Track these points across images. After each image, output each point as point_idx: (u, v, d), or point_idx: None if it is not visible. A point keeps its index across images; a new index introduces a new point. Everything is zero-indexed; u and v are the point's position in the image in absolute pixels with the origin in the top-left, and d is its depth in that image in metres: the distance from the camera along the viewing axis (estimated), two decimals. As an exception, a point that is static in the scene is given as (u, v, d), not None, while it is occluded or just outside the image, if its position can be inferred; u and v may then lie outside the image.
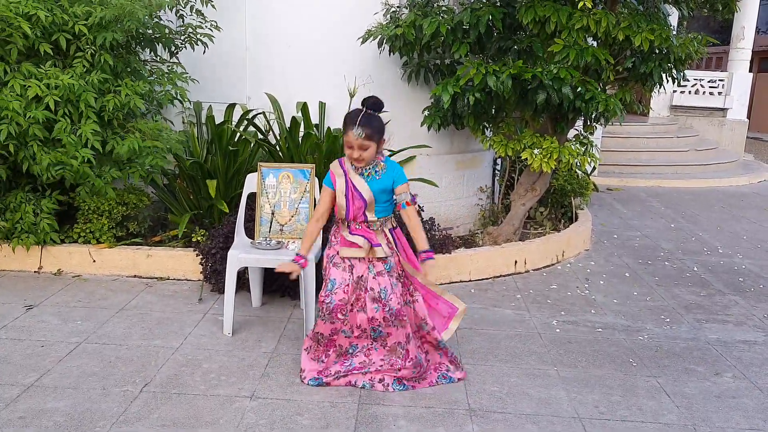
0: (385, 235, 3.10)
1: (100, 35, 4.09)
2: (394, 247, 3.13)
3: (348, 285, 3.06)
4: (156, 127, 4.28)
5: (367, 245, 3.04)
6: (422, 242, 3.10)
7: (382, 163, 3.06)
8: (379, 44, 4.92)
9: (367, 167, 3.03)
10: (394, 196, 3.07)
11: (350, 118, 2.96)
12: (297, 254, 3.17)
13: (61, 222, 4.73)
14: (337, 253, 3.10)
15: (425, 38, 4.64)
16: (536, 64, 4.61)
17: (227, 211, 4.48)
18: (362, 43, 4.90)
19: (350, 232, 3.06)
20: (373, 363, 3.15)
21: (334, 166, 3.09)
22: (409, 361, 3.11)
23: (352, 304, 3.07)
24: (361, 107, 2.98)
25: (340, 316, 3.06)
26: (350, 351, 3.16)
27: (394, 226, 3.17)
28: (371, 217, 3.04)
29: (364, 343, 3.15)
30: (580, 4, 4.24)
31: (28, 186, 4.52)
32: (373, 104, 2.97)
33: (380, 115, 3.00)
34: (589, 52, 4.36)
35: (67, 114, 4.08)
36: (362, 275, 3.07)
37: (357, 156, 2.96)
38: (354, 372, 3.16)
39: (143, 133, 4.21)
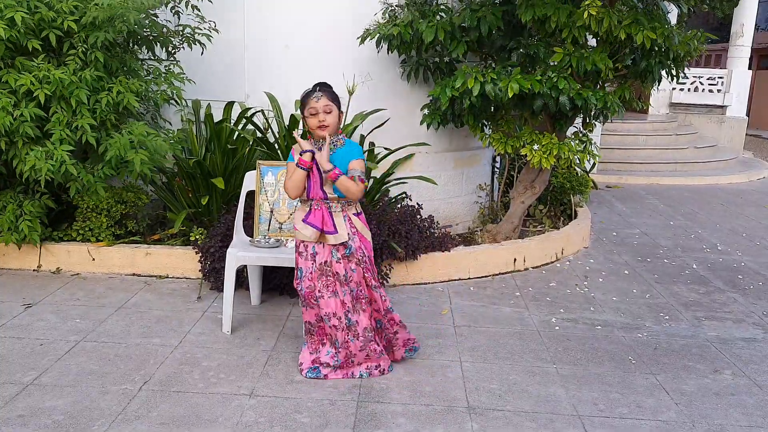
0: (349, 219, 3.12)
1: (93, 35, 4.08)
2: (356, 232, 3.15)
3: (312, 273, 3.12)
4: (143, 131, 4.11)
5: (315, 235, 3.07)
6: (346, 179, 3.03)
7: (342, 140, 3.15)
8: (377, 44, 4.91)
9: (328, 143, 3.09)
10: (348, 170, 3.09)
11: (306, 92, 3.09)
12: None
13: (60, 221, 4.72)
14: (302, 241, 3.15)
15: (425, 46, 4.65)
16: (536, 68, 4.61)
17: (223, 186, 4.51)
18: (361, 43, 4.90)
19: (303, 219, 3.11)
20: (355, 355, 3.20)
21: (296, 145, 3.14)
22: (382, 342, 3.29)
23: (320, 291, 3.11)
24: (313, 90, 3.09)
25: (313, 302, 3.14)
26: (337, 343, 3.18)
27: (359, 211, 3.20)
28: (330, 193, 3.07)
29: (344, 335, 3.16)
30: (584, 4, 4.23)
31: (19, 186, 4.51)
32: (324, 84, 3.11)
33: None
34: (589, 61, 4.37)
35: (61, 109, 4.07)
36: (326, 260, 3.11)
37: (322, 119, 3.02)
38: (346, 365, 3.21)
39: (134, 137, 4.09)
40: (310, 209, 3.12)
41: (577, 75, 4.57)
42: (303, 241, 3.15)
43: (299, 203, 3.23)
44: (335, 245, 3.10)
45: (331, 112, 3.05)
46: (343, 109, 3.23)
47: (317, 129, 3.05)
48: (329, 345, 3.22)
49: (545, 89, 4.34)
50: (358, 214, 3.19)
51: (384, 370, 3.27)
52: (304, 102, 3.08)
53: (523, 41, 4.82)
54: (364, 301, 3.18)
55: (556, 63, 4.48)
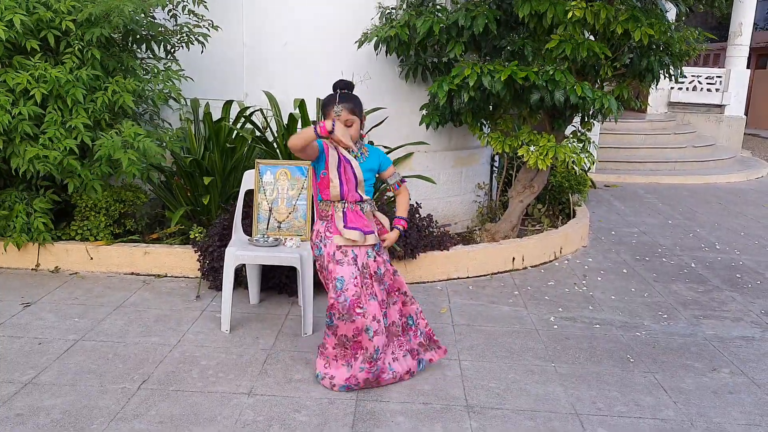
0: (375, 218, 3.15)
1: (89, 31, 4.07)
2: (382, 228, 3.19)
3: (356, 278, 3.00)
4: (133, 132, 4.06)
5: (362, 238, 3.02)
6: (403, 211, 3.23)
7: (366, 148, 3.14)
8: (375, 46, 4.92)
9: (353, 150, 3.05)
10: (385, 180, 3.19)
11: (328, 100, 3.01)
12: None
13: (58, 219, 4.72)
14: (338, 247, 3.02)
15: (419, 37, 4.65)
16: (533, 63, 4.61)
17: (210, 203, 4.53)
18: (359, 47, 4.91)
19: (345, 225, 3.00)
20: (395, 366, 3.12)
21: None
22: (420, 334, 3.25)
23: (365, 296, 3.02)
24: (333, 91, 3.02)
25: (358, 310, 2.97)
26: (375, 356, 3.03)
27: (376, 209, 3.24)
28: (363, 195, 3.07)
29: (382, 341, 3.04)
30: (570, 4, 4.24)
31: (22, 185, 4.51)
32: (346, 85, 3.04)
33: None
34: (584, 46, 4.35)
35: (57, 109, 4.07)
36: (364, 262, 3.06)
37: (341, 133, 2.93)
38: (383, 379, 3.11)
39: (124, 137, 4.05)
40: (344, 213, 3.03)
41: (575, 69, 4.57)
42: (340, 248, 3.01)
43: (320, 207, 3.12)
44: (371, 244, 3.08)
45: (353, 124, 2.99)
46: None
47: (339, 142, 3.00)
48: (362, 360, 3.04)
49: (540, 81, 4.34)
50: (376, 212, 3.22)
51: (413, 372, 3.21)
52: (325, 110, 3.01)
53: (511, 38, 4.82)
54: (396, 293, 3.18)
55: (551, 49, 4.45)
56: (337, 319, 3.00)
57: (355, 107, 3.01)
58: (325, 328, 3.11)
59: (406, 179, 3.27)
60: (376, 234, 3.10)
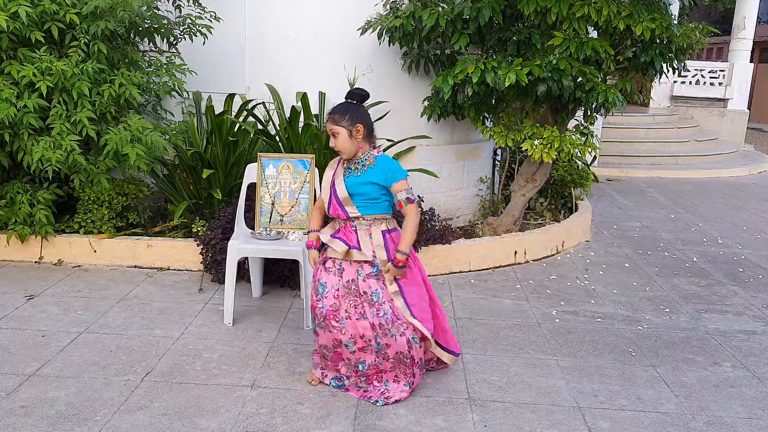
0: (373, 236, 2.92)
1: (94, 24, 4.07)
2: (383, 248, 2.92)
3: (337, 289, 2.93)
4: (140, 126, 4.09)
5: (342, 249, 2.90)
6: (404, 243, 2.88)
7: (372, 158, 2.92)
8: (379, 35, 4.90)
9: (355, 162, 2.93)
10: (395, 195, 2.91)
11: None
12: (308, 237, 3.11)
13: (61, 212, 4.73)
14: (328, 257, 2.99)
15: (425, 30, 4.63)
16: (536, 56, 4.60)
17: (220, 197, 4.51)
18: (362, 34, 4.88)
19: (331, 235, 2.97)
20: (387, 389, 2.97)
21: (333, 160, 3.06)
22: (416, 367, 2.99)
23: (347, 311, 2.91)
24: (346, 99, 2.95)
25: (334, 323, 2.92)
26: (359, 368, 2.97)
27: (392, 228, 2.98)
28: (352, 212, 2.90)
29: (370, 359, 2.95)
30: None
31: (26, 177, 4.52)
32: (352, 94, 2.92)
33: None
34: (589, 45, 4.36)
35: (62, 102, 4.07)
36: (352, 278, 2.93)
37: (332, 144, 2.91)
38: (372, 391, 2.98)
39: (131, 130, 4.07)
40: (338, 228, 2.99)
41: (577, 60, 4.56)
42: (331, 257, 2.97)
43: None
44: (360, 262, 2.92)
45: (338, 134, 2.86)
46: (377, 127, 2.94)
47: (338, 151, 2.94)
48: (345, 369, 3.01)
49: (546, 73, 4.33)
50: (389, 231, 2.95)
51: (403, 397, 2.96)
52: None
53: (518, 29, 4.81)
54: (400, 323, 2.90)
55: (555, 46, 4.45)
56: (317, 325, 3.00)
57: (342, 117, 2.85)
58: None
59: (417, 199, 2.95)
60: (370, 254, 2.90)
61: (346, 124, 2.86)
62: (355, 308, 2.92)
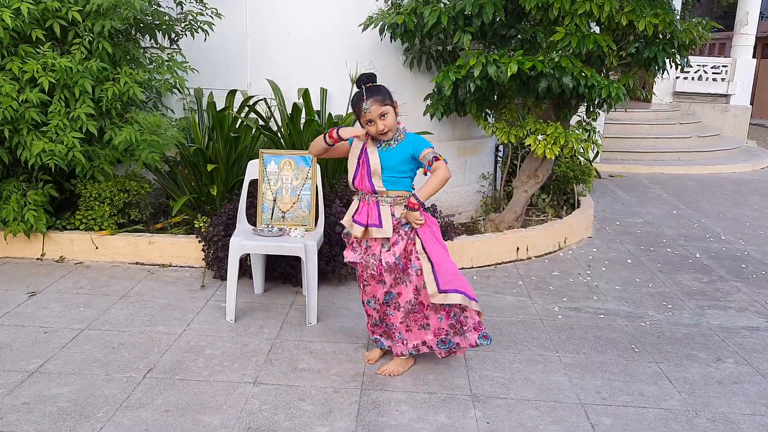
0: (396, 215, 2.99)
1: (98, 23, 4.06)
2: (401, 230, 3.00)
3: (362, 258, 3.10)
4: (155, 122, 4.16)
5: (360, 230, 3.01)
6: (424, 190, 2.96)
7: (403, 134, 3.04)
8: (381, 31, 4.89)
9: (388, 138, 2.99)
10: (421, 162, 2.97)
11: (357, 99, 2.95)
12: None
13: (63, 209, 4.73)
14: (355, 238, 3.09)
15: (426, 27, 4.62)
16: (538, 52, 4.59)
17: (214, 193, 4.54)
18: (363, 30, 4.87)
19: (353, 218, 3.06)
20: (396, 328, 3.12)
21: (356, 141, 3.06)
22: (453, 316, 3.08)
23: (372, 273, 3.06)
24: (358, 87, 2.97)
25: (363, 284, 3.14)
26: (375, 323, 3.25)
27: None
28: (378, 185, 2.97)
29: (383, 310, 3.15)
30: None
31: (22, 176, 4.51)
32: (368, 78, 2.96)
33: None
34: (590, 39, 4.34)
35: (63, 99, 4.07)
36: (375, 253, 3.04)
37: (381, 128, 2.92)
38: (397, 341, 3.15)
39: (141, 126, 4.12)
40: (359, 204, 3.04)
41: (579, 56, 4.55)
42: (356, 237, 3.07)
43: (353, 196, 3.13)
44: (381, 239, 3.01)
45: (388, 114, 2.92)
46: (397, 99, 3.04)
47: (380, 135, 2.96)
48: (370, 324, 3.27)
49: (547, 69, 4.32)
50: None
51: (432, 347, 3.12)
52: (356, 110, 2.97)
53: (521, 26, 4.80)
54: (411, 271, 3.01)
55: (557, 41, 4.44)
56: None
57: (385, 97, 2.92)
58: None
59: (440, 157, 2.97)
60: (390, 231, 2.97)
61: (390, 102, 2.95)
62: (376, 278, 3.07)
